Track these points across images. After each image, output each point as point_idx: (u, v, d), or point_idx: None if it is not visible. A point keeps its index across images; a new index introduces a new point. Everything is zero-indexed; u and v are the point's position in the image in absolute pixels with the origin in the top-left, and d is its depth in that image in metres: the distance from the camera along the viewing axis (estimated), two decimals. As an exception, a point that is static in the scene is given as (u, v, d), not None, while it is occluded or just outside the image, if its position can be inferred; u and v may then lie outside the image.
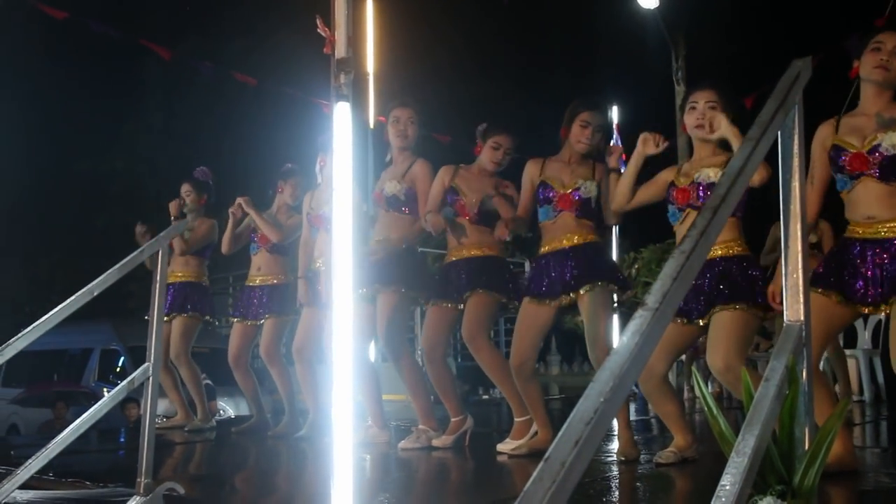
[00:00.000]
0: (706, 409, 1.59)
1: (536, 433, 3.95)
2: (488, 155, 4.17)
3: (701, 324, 3.29)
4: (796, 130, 1.59)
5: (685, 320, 3.32)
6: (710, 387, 8.50)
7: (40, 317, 2.98)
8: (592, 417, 1.00)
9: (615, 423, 3.71)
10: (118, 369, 11.84)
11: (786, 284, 1.57)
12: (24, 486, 3.00)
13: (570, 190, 3.81)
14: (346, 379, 2.16)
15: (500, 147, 4.16)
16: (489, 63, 18.17)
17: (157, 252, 3.06)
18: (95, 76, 19.93)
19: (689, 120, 3.42)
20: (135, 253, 3.07)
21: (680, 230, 3.46)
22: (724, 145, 3.37)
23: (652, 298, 1.16)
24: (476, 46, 17.37)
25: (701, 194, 3.36)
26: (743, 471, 1.30)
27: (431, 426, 4.24)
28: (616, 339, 7.97)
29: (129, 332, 11.84)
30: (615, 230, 11.10)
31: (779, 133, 1.59)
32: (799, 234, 1.56)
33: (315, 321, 4.79)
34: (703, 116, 3.37)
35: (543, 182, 3.89)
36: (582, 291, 3.68)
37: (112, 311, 13.21)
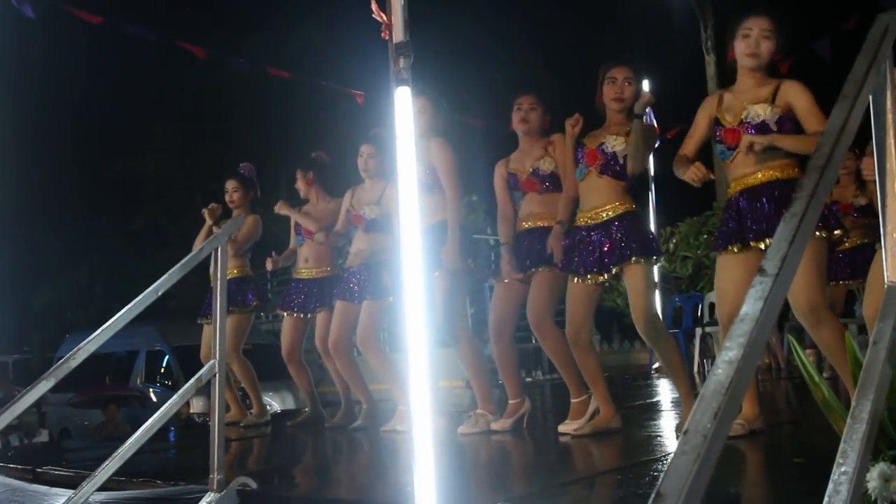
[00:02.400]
0: (806, 375, 1.55)
1: (596, 412, 3.92)
2: (514, 119, 4.18)
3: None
4: (888, 86, 1.54)
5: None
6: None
7: (83, 322, 3.01)
8: (728, 387, 0.97)
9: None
10: (163, 370, 11.99)
11: (885, 244, 1.53)
12: (97, 489, 3.04)
13: (595, 146, 3.80)
14: (423, 367, 2.15)
15: (521, 106, 4.15)
16: (518, 45, 18.06)
17: (217, 249, 3.06)
18: (128, 78, 20.12)
19: (742, 46, 3.34)
20: (194, 252, 3.08)
21: (731, 167, 3.39)
22: (770, 71, 3.31)
23: (770, 264, 1.13)
24: (504, 28, 17.31)
25: (752, 133, 3.27)
26: (863, 437, 1.26)
27: (490, 410, 4.23)
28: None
29: (173, 333, 12.00)
30: (651, 203, 11.04)
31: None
32: (896, 192, 1.51)
33: (350, 315, 4.79)
34: (758, 46, 3.30)
35: (582, 144, 3.88)
36: (623, 267, 3.67)
37: (154, 313, 13.36)
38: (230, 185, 5.69)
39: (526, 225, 4.13)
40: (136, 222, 21.13)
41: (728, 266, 3.36)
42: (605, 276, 3.71)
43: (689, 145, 3.51)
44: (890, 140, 1.53)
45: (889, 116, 1.54)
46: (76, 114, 20.94)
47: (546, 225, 4.06)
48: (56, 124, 20.73)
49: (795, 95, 3.24)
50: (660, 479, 0.91)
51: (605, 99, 3.83)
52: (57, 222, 21.91)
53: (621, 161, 3.75)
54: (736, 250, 3.31)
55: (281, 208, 5.24)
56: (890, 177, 1.53)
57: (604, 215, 3.75)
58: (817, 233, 3.12)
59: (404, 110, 2.26)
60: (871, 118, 1.57)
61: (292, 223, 5.45)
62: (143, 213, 20.96)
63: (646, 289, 3.69)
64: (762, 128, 3.25)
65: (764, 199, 3.25)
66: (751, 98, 3.32)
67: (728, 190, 3.44)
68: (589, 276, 3.73)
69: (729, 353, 1.01)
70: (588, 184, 3.82)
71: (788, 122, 3.25)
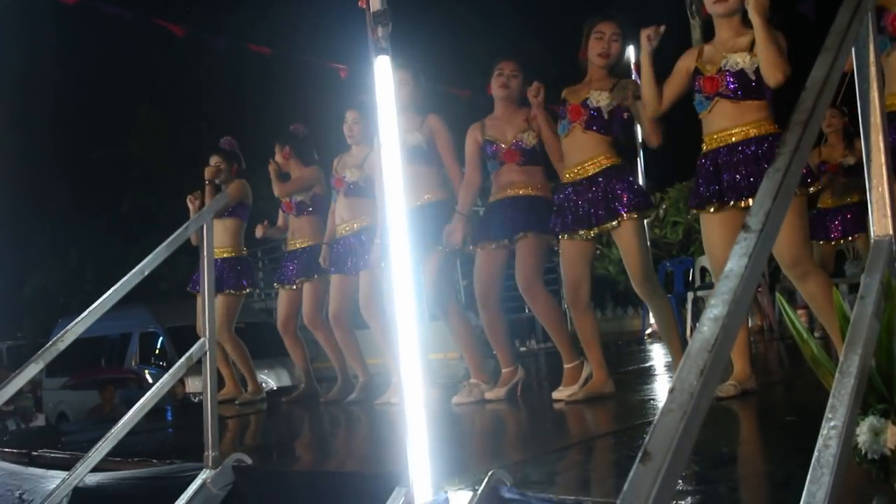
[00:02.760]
0: (795, 332, 1.55)
1: (590, 377, 3.93)
2: (494, 84, 4.17)
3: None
4: (871, 38, 1.52)
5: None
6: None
7: (75, 306, 3.00)
8: (713, 344, 0.97)
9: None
10: (157, 351, 12.00)
11: (871, 198, 1.52)
12: (92, 469, 3.04)
13: (578, 101, 3.79)
14: (413, 338, 2.15)
15: (503, 72, 4.14)
16: (499, 12, 17.91)
17: (203, 227, 3.04)
18: (108, 60, 19.94)
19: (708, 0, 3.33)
20: (181, 229, 3.06)
21: (708, 119, 3.38)
22: (746, 23, 3.28)
23: (754, 220, 1.12)
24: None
25: (730, 82, 3.28)
26: (851, 391, 1.27)
27: (483, 380, 4.24)
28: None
29: (166, 314, 12.00)
30: (640, 168, 11.01)
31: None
32: (881, 146, 1.50)
33: (348, 287, 4.79)
34: None
35: (564, 100, 3.87)
36: (610, 227, 3.68)
37: (146, 295, 13.35)
38: (213, 160, 5.66)
39: (509, 192, 4.11)
40: (124, 206, 21.05)
41: (712, 225, 3.38)
42: (595, 230, 3.71)
43: (666, 87, 3.49)
44: (874, 93, 1.52)
45: (872, 69, 1.52)
46: (57, 97, 20.78)
47: (527, 194, 4.07)
48: (38, 109, 20.55)
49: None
50: (646, 438, 0.91)
51: (591, 54, 3.81)
52: (44, 208, 21.81)
53: (605, 116, 3.74)
54: (713, 210, 3.32)
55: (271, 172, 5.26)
56: (874, 130, 1.51)
57: (590, 170, 3.75)
58: (798, 192, 3.13)
59: (384, 79, 2.24)
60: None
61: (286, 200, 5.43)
62: (130, 197, 20.87)
63: (639, 244, 3.70)
64: (740, 76, 3.24)
65: (742, 156, 3.25)
66: (729, 48, 3.31)
67: (703, 146, 3.42)
68: (581, 233, 3.74)
69: (714, 311, 1.01)
70: (572, 140, 3.81)
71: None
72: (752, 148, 3.24)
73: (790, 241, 3.05)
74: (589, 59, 3.83)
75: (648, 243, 3.98)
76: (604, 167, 3.74)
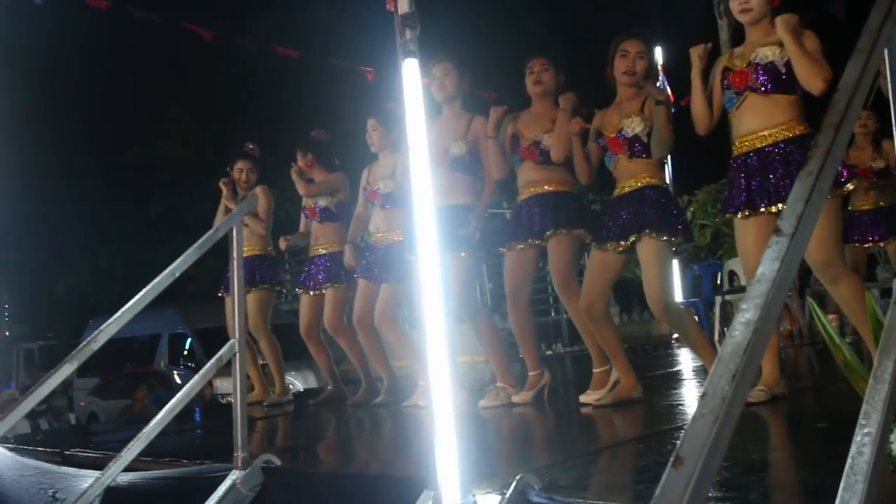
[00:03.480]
0: (826, 337, 1.53)
1: (618, 382, 3.91)
2: (528, 83, 4.18)
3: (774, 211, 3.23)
4: (905, 40, 1.50)
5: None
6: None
7: (105, 306, 3.04)
8: (746, 348, 0.96)
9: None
10: (186, 352, 12.13)
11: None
12: (124, 469, 3.08)
13: (614, 133, 3.78)
14: (441, 341, 2.15)
15: (533, 70, 4.15)
16: (530, 14, 17.88)
17: (233, 229, 3.07)
18: (139, 63, 20.17)
19: (735, 5, 3.31)
20: (210, 231, 3.09)
21: (737, 115, 3.36)
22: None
23: (786, 223, 1.11)
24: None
25: (760, 76, 3.25)
26: (885, 397, 1.25)
27: (510, 383, 4.23)
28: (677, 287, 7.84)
29: (194, 316, 12.13)
30: (668, 171, 10.95)
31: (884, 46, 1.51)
32: (916, 148, 1.48)
33: (372, 293, 4.80)
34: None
35: (598, 130, 3.86)
36: (633, 238, 3.65)
37: (175, 297, 13.50)
38: (243, 164, 5.68)
39: (533, 190, 4.11)
40: (154, 207, 21.26)
41: (744, 230, 3.35)
42: (622, 244, 3.69)
43: (711, 99, 3.49)
44: (907, 96, 1.50)
45: (906, 72, 1.51)
46: (90, 100, 21.04)
47: (552, 189, 4.06)
48: (68, 111, 20.83)
49: (803, 38, 3.19)
50: (678, 443, 0.90)
51: (617, 72, 3.80)
52: (75, 209, 22.10)
53: (644, 139, 3.72)
54: (745, 215, 3.29)
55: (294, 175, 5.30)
56: (909, 133, 1.49)
57: (630, 185, 3.75)
58: (831, 196, 3.10)
59: (412, 82, 2.25)
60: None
61: (309, 205, 5.46)
62: (159, 198, 21.07)
63: (659, 265, 3.62)
64: (771, 68, 3.22)
65: (773, 162, 3.22)
66: (760, 45, 3.28)
67: (734, 148, 3.40)
68: (608, 245, 3.73)
69: (746, 315, 1.00)
70: (620, 164, 3.80)
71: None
72: (783, 151, 3.21)
73: (822, 244, 3.02)
74: (616, 77, 3.82)
75: (671, 267, 3.92)
76: (642, 185, 3.71)
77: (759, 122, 3.28)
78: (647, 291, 3.62)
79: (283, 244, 5.43)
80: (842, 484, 1.16)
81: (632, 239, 3.65)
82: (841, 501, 1.15)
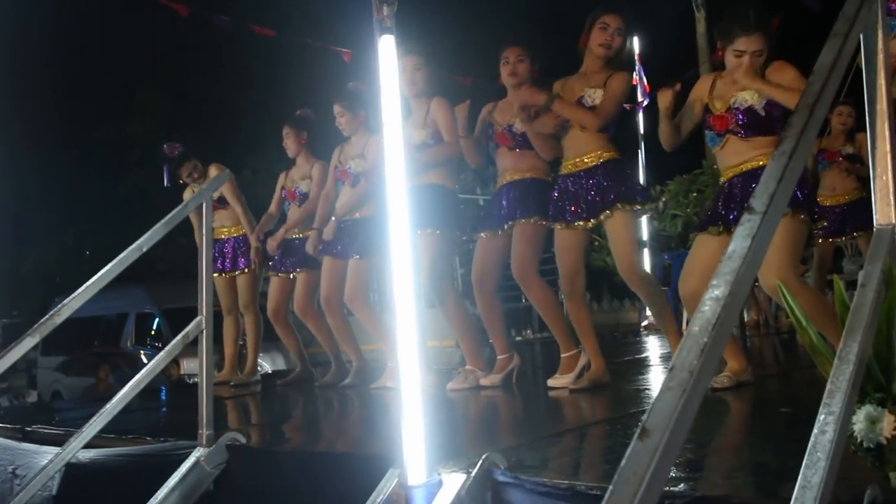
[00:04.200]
0: (794, 320, 1.54)
1: (586, 367, 3.93)
2: (503, 73, 4.14)
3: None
4: (880, 25, 1.51)
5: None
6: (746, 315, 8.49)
7: (72, 285, 2.97)
8: (715, 324, 0.96)
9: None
10: (153, 332, 12.00)
11: (875, 187, 1.51)
12: (85, 446, 3.04)
13: (574, 101, 3.79)
14: (410, 323, 2.14)
15: (508, 60, 4.10)
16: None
17: (202, 205, 3.03)
18: (109, 39, 19.84)
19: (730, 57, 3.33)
20: (179, 207, 3.05)
21: (722, 155, 3.42)
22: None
23: (758, 202, 1.11)
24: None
25: (739, 119, 3.31)
26: (849, 377, 1.26)
27: (479, 366, 4.23)
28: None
29: (162, 296, 12.00)
30: (641, 161, 10.99)
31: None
32: (887, 134, 1.50)
33: (338, 271, 4.77)
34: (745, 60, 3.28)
35: (556, 95, 3.86)
36: (603, 217, 3.71)
37: (143, 276, 13.35)
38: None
39: (507, 178, 4.11)
40: (122, 186, 20.99)
41: (702, 245, 3.38)
42: (591, 221, 3.73)
43: (684, 119, 3.52)
44: (881, 80, 1.51)
45: (880, 56, 1.51)
46: (59, 77, 20.68)
47: (521, 178, 4.06)
48: (37, 88, 20.46)
49: (780, 74, 3.24)
50: (645, 416, 0.90)
51: (592, 43, 3.80)
52: (43, 186, 21.75)
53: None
54: (717, 232, 3.32)
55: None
56: (880, 118, 1.50)
57: (589, 163, 3.78)
58: (802, 216, 3.14)
59: (388, 59, 2.23)
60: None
61: (278, 187, 5.39)
62: (129, 178, 20.81)
63: (627, 236, 3.72)
64: (749, 113, 3.26)
65: (755, 183, 3.24)
66: (739, 86, 3.30)
67: (720, 178, 3.48)
68: (577, 223, 3.75)
69: (716, 291, 1.00)
70: (572, 136, 3.83)
71: (777, 107, 3.23)
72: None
73: (778, 265, 3.01)
74: (589, 48, 3.82)
75: (642, 236, 4.05)
76: (602, 160, 3.76)
77: (739, 158, 3.33)
78: (619, 263, 3.71)
79: (271, 246, 5.32)
80: (804, 461, 1.17)
81: (601, 216, 3.70)
82: (803, 479, 1.16)
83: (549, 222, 3.92)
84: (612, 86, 3.75)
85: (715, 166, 3.46)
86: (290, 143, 5.30)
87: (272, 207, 5.49)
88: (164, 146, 5.77)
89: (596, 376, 3.82)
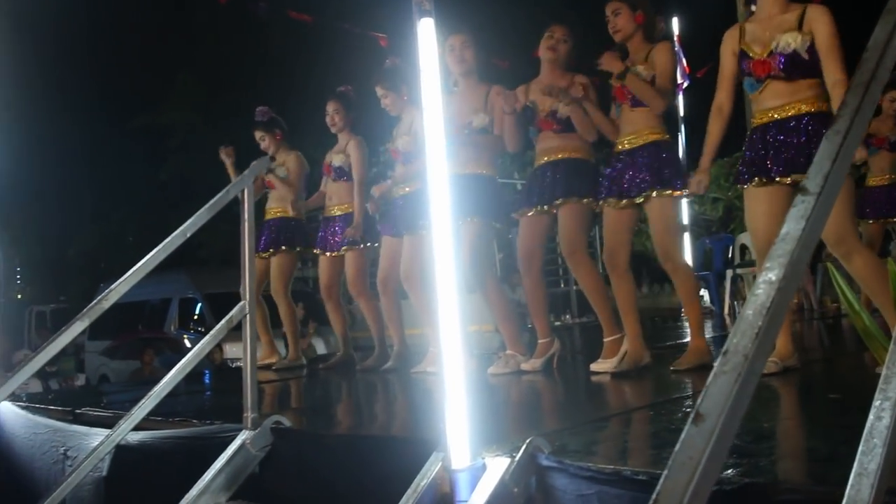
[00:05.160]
0: (846, 303, 1.51)
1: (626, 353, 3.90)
2: (542, 46, 4.15)
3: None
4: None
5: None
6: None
7: (116, 270, 3.02)
8: (769, 307, 0.94)
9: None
10: (196, 317, 12.19)
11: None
12: (134, 428, 3.10)
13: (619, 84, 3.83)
14: (452, 306, 2.14)
15: (553, 35, 4.12)
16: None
17: (243, 190, 3.06)
18: (147, 27, 20.06)
19: None
20: (222, 192, 3.07)
21: (760, 99, 3.35)
22: None
23: (812, 182, 1.09)
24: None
25: (782, 63, 3.23)
26: (907, 362, 1.23)
27: (519, 351, 4.23)
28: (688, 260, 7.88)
29: (204, 281, 12.19)
30: (681, 144, 10.85)
31: None
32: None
33: (396, 251, 4.79)
34: None
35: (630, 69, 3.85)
36: (644, 197, 3.72)
37: (186, 261, 13.55)
38: (257, 135, 5.64)
39: (548, 157, 4.11)
40: (163, 173, 21.28)
41: (755, 200, 3.33)
42: (636, 200, 3.75)
43: (722, 92, 3.49)
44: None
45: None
46: (100, 66, 20.98)
47: (566, 157, 4.07)
48: (81, 78, 20.78)
49: (818, 23, 3.16)
50: (699, 400, 0.89)
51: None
52: (86, 174, 22.14)
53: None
54: (757, 183, 3.27)
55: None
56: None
57: (637, 142, 3.79)
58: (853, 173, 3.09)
59: (428, 43, 2.21)
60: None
61: (326, 163, 5.41)
62: (170, 164, 21.07)
63: (667, 220, 3.75)
64: (793, 57, 3.18)
65: (792, 133, 3.19)
66: (777, 26, 3.24)
67: (753, 120, 3.39)
68: (624, 202, 3.77)
69: (770, 274, 0.98)
70: (624, 114, 3.86)
71: (816, 52, 3.18)
72: (804, 124, 3.19)
73: (835, 218, 2.98)
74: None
75: (682, 220, 4.05)
76: (650, 141, 3.75)
77: (781, 101, 3.27)
78: (657, 246, 3.77)
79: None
80: (860, 448, 1.14)
81: (640, 199, 3.72)
82: (859, 465, 1.14)
83: (597, 203, 3.93)
84: (660, 61, 3.73)
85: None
86: (337, 119, 5.29)
87: (322, 185, 5.55)
88: (257, 109, 5.79)
89: (634, 358, 3.81)
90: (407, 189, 4.75)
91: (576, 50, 4.16)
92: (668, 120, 3.96)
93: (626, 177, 3.76)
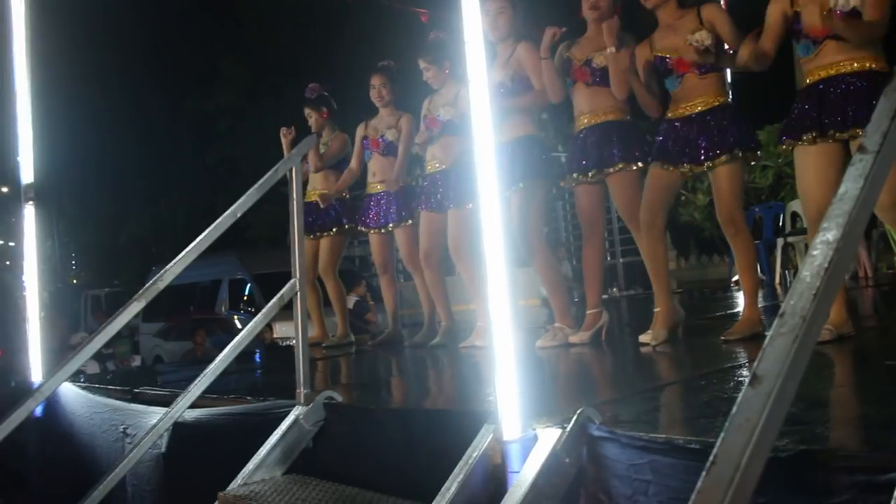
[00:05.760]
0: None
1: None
2: (584, 6, 4.06)
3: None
4: None
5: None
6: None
7: (167, 254, 3.08)
8: (827, 268, 0.93)
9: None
10: (245, 297, 12.38)
11: None
12: (190, 406, 3.17)
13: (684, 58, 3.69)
14: (501, 276, 2.14)
15: None
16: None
17: (291, 170, 3.08)
18: (190, 15, 20.25)
19: None
20: (270, 172, 3.11)
21: (814, 60, 3.26)
22: None
23: (870, 140, 1.06)
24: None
25: (842, 24, 3.11)
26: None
27: (568, 323, 4.21)
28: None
29: (253, 262, 12.36)
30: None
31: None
32: None
33: (437, 226, 4.80)
34: None
35: (660, 57, 3.78)
36: (712, 164, 3.62)
37: (234, 243, 13.75)
38: (306, 112, 5.63)
39: (587, 121, 4.07)
40: (210, 157, 21.55)
41: (807, 159, 3.25)
42: (702, 167, 3.66)
43: (767, 40, 3.38)
44: None
45: None
46: (146, 54, 21.27)
47: (603, 120, 4.00)
48: (127, 65, 21.08)
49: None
50: (756, 362, 0.88)
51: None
52: (136, 160, 22.54)
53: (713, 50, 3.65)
54: (809, 140, 3.19)
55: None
56: None
57: (698, 108, 3.70)
58: None
59: (471, 12, 2.20)
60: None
61: (358, 139, 5.41)
62: (218, 148, 21.33)
63: (734, 183, 3.64)
64: (854, 15, 3.10)
65: (848, 89, 3.11)
66: None
67: (807, 78, 3.30)
68: (683, 168, 3.70)
69: (827, 234, 0.96)
70: (688, 84, 3.73)
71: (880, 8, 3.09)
72: (863, 82, 3.11)
73: (891, 183, 2.90)
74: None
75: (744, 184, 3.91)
76: (712, 106, 3.68)
77: (841, 56, 3.19)
78: (723, 202, 3.64)
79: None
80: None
81: (714, 162, 3.62)
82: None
83: (644, 164, 3.88)
84: (719, 21, 3.64)
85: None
86: (384, 93, 5.26)
87: (353, 163, 5.51)
88: (308, 86, 5.82)
89: (670, 318, 3.78)
90: (448, 163, 4.74)
91: (618, 1, 4.07)
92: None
93: (698, 141, 3.66)
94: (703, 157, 3.64)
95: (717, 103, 3.68)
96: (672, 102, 3.80)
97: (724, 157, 3.60)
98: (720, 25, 3.63)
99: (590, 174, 4.01)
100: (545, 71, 4.10)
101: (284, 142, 5.67)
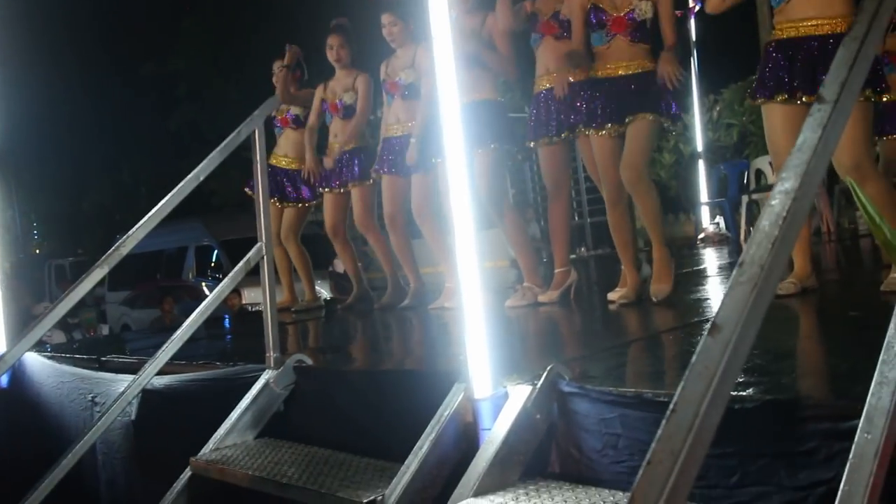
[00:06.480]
0: (867, 217, 1.49)
1: (648, 278, 3.89)
2: None
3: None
4: None
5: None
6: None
7: (131, 222, 3.02)
8: (785, 217, 0.94)
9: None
10: (213, 264, 12.29)
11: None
12: (159, 373, 3.15)
13: (623, 12, 3.68)
14: (469, 237, 2.14)
15: None
16: None
17: (255, 131, 3.04)
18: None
19: None
20: (233, 134, 3.06)
21: (787, 7, 3.21)
22: None
23: (828, 90, 1.07)
24: None
25: None
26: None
27: (537, 283, 4.24)
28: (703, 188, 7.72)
29: (219, 228, 12.25)
30: (693, 70, 10.69)
31: None
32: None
33: (400, 189, 4.78)
34: None
35: (595, 5, 3.75)
36: (628, 121, 3.63)
37: (199, 209, 13.60)
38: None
39: (549, 82, 4.04)
40: (172, 122, 21.20)
41: (777, 117, 3.24)
42: (618, 126, 3.66)
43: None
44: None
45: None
46: (103, 17, 20.78)
47: (576, 80, 3.94)
48: (86, 30, 20.60)
49: None
50: (716, 312, 0.89)
51: None
52: (96, 126, 22.12)
53: (648, 26, 3.67)
54: (783, 99, 3.19)
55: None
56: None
57: (624, 71, 3.69)
58: (866, 92, 2.99)
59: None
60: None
61: (317, 99, 5.33)
62: (178, 112, 20.97)
63: (645, 142, 3.64)
64: None
65: (823, 54, 3.09)
66: None
67: (776, 31, 3.28)
68: (607, 127, 3.70)
69: (786, 184, 0.97)
70: (617, 45, 3.72)
71: None
72: (834, 45, 3.08)
73: (850, 143, 2.90)
74: None
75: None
76: (641, 69, 3.68)
77: (812, 11, 3.14)
78: (629, 158, 3.61)
79: (328, 164, 5.28)
80: (881, 357, 1.15)
81: (627, 121, 3.63)
82: (879, 375, 1.14)
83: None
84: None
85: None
86: (343, 54, 5.15)
87: (311, 120, 5.38)
88: (287, 46, 5.65)
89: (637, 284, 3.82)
90: (409, 125, 4.70)
91: None
92: (680, 46, 3.83)
93: (615, 103, 3.68)
94: (626, 119, 3.64)
95: (641, 70, 3.67)
96: (598, 60, 3.78)
97: (643, 115, 3.59)
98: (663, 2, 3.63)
99: (563, 135, 4.00)
100: (500, 8, 4.04)
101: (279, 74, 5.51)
